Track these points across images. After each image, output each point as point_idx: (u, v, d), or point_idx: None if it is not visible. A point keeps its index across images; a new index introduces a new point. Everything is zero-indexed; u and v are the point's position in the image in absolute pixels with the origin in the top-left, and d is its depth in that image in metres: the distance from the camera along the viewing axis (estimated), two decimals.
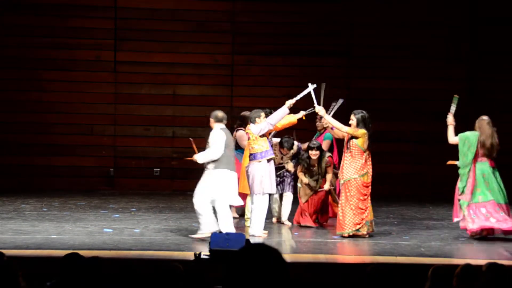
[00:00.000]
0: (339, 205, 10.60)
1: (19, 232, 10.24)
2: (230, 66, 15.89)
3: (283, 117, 10.63)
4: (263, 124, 10.42)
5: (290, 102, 10.61)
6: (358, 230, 10.39)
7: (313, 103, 10.86)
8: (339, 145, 11.83)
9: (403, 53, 15.77)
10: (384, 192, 13.97)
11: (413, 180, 15.58)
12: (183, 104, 15.79)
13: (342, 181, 10.55)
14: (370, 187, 10.52)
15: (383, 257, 9.20)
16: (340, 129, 10.68)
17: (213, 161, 10.01)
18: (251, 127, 10.55)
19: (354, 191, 10.41)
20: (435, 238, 10.57)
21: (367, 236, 10.44)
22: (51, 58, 15.58)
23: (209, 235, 9.36)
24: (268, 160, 10.46)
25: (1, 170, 15.35)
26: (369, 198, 10.53)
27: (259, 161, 10.39)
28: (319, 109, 10.78)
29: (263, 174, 10.36)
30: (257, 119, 10.51)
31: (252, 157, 10.51)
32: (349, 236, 10.34)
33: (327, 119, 10.82)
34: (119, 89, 15.79)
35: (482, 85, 15.72)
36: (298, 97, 10.80)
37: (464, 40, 15.80)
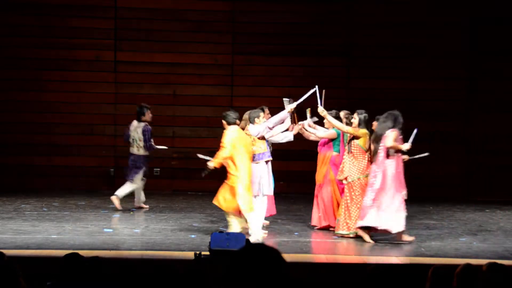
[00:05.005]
0: (344, 206, 10.57)
1: (19, 232, 10.23)
2: (230, 66, 15.89)
3: (282, 121, 10.52)
4: (262, 127, 10.32)
5: (290, 107, 10.51)
6: None
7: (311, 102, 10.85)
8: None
9: (403, 53, 15.77)
10: None
11: (413, 180, 15.54)
12: (183, 104, 15.79)
13: (345, 181, 10.54)
14: None
15: (383, 257, 9.20)
16: (341, 129, 10.72)
17: None
18: (250, 128, 10.49)
19: (359, 191, 10.42)
20: (435, 238, 10.57)
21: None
22: (51, 58, 15.57)
23: None
24: (266, 162, 10.41)
25: (1, 170, 15.35)
26: None
27: (257, 163, 10.31)
28: (321, 110, 10.76)
29: (261, 176, 10.31)
30: (256, 119, 10.43)
31: None
32: (357, 236, 10.33)
33: (329, 119, 10.80)
34: (119, 89, 15.79)
35: (482, 85, 15.72)
36: (299, 101, 10.69)
37: (464, 40, 15.79)
